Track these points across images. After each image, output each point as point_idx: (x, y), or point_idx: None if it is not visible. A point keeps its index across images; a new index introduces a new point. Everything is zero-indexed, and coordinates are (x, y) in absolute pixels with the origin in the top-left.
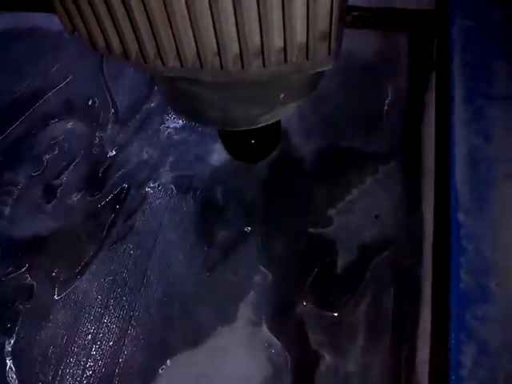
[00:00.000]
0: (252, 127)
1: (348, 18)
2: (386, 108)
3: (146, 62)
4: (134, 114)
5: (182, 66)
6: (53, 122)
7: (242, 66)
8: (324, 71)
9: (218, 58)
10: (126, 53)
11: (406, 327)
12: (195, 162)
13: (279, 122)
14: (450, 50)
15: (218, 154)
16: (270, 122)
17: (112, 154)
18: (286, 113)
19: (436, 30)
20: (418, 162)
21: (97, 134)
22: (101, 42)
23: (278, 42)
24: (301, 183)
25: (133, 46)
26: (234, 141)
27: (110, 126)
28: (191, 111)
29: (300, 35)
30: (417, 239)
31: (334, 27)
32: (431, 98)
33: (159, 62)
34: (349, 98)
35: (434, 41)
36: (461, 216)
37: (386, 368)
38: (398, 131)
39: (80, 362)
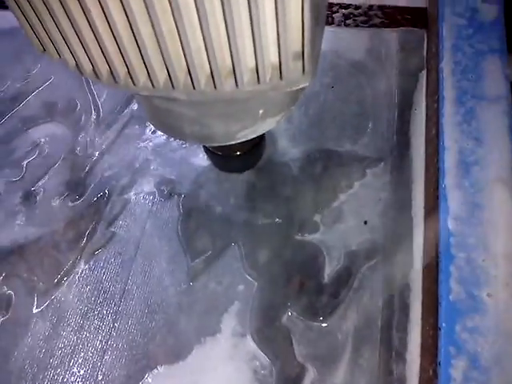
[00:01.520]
0: (231, 142)
1: (337, 15)
2: (374, 109)
3: (116, 82)
4: (116, 117)
5: (153, 86)
6: (33, 125)
7: (215, 87)
8: (304, 87)
9: (189, 77)
10: (95, 72)
11: (395, 339)
12: (179, 165)
13: (263, 135)
14: (440, 49)
15: (203, 158)
16: (249, 138)
17: (94, 158)
18: (266, 128)
19: (427, 27)
20: (407, 165)
21: (78, 137)
22: (71, 61)
23: (250, 62)
24: (287, 188)
25: (103, 67)
26: (217, 155)
27: (92, 129)
28: (169, 127)
29: (273, 55)
30: (406, 247)
31: (307, 47)
32: (421, 97)
33: (130, 81)
34: (336, 99)
35: (424, 39)
36: (451, 223)
37: (374, 382)
38: (386, 133)
39: (58, 376)
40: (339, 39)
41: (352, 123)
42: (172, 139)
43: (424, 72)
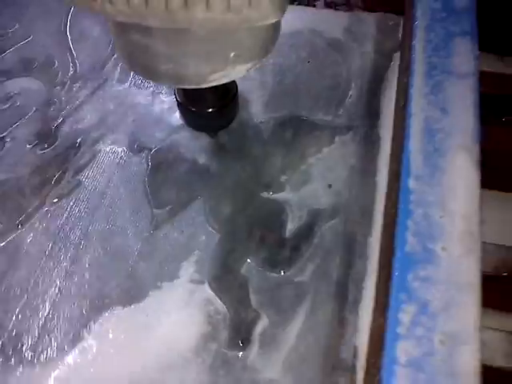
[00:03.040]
0: (203, 85)
1: (319, 3)
2: (347, 83)
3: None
4: (94, 75)
5: (128, 5)
6: (7, 78)
7: (186, 4)
8: (275, 38)
9: None
10: None
11: (351, 293)
12: (153, 123)
13: (236, 94)
14: (414, 28)
15: (177, 118)
16: (220, 82)
17: (67, 112)
18: (237, 75)
19: (404, 11)
20: (375, 134)
21: (53, 92)
22: None
23: None
24: (256, 149)
25: None
26: (190, 112)
27: (67, 86)
28: (144, 66)
29: None
30: (368, 209)
31: None
32: (393, 75)
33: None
34: (312, 72)
35: (400, 24)
36: (411, 182)
37: (327, 330)
38: (358, 105)
39: (12, 311)
40: (318, 20)
41: (325, 95)
42: (151, 99)
43: (398, 53)
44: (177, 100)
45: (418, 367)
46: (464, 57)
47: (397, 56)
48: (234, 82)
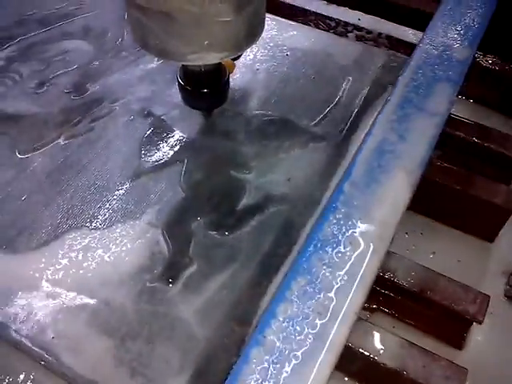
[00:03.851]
0: (183, 62)
1: (351, 35)
2: (340, 103)
3: None
4: (134, 50)
5: None
6: (68, 38)
7: None
8: (251, 40)
9: None
10: None
11: (272, 265)
12: (167, 97)
13: (228, 81)
14: (405, 67)
15: None
16: (197, 63)
17: (102, 74)
18: (212, 60)
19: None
20: (345, 147)
21: (98, 56)
22: None
23: None
24: (241, 135)
25: None
26: (186, 90)
27: (111, 53)
28: (140, 38)
29: None
30: (314, 205)
31: None
32: (380, 103)
33: None
34: (312, 87)
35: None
36: (346, 185)
37: (242, 289)
38: (340, 121)
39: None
40: (334, 45)
41: (316, 106)
42: (169, 76)
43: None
44: (177, 80)
45: (288, 325)
46: (440, 99)
47: (391, 89)
48: (225, 71)
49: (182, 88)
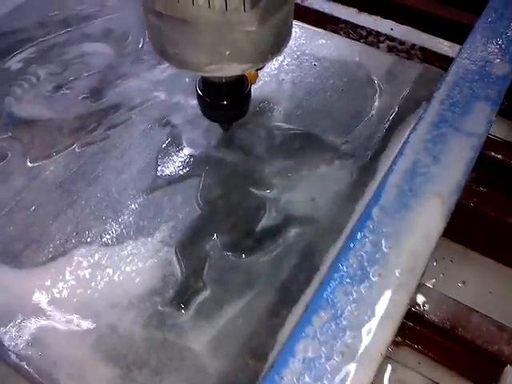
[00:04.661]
0: (201, 74)
1: (382, 45)
2: (369, 118)
3: None
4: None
5: None
6: (88, 40)
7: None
8: (276, 51)
9: None
10: None
11: (293, 292)
12: (186, 106)
13: (249, 93)
14: (441, 82)
15: None
16: (216, 75)
17: (121, 79)
18: (232, 71)
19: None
20: (373, 166)
21: (118, 59)
22: None
23: None
24: (260, 148)
25: None
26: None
27: (131, 57)
28: (159, 46)
29: None
30: (338, 229)
31: None
32: (414, 120)
33: None
34: (341, 100)
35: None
36: (375, 210)
37: (258, 318)
38: (369, 137)
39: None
40: (366, 56)
41: (343, 121)
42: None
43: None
44: (196, 91)
45: (308, 367)
46: (477, 119)
47: (425, 105)
48: (247, 82)
49: (200, 99)
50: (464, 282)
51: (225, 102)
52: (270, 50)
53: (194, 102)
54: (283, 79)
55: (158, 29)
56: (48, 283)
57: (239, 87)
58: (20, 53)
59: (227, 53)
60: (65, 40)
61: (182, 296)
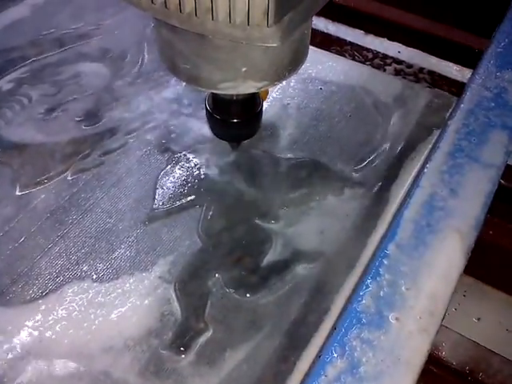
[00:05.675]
0: (213, 91)
1: (389, 68)
2: (378, 145)
3: None
4: (154, 77)
5: (153, 2)
6: (84, 60)
7: (196, 15)
8: (293, 68)
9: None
10: None
11: (301, 334)
12: (185, 128)
13: (260, 111)
14: (456, 110)
15: (207, 129)
16: (229, 92)
17: (118, 102)
18: (246, 89)
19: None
20: (385, 197)
21: (115, 81)
22: None
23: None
24: (267, 177)
25: None
26: (215, 119)
27: (129, 79)
28: (169, 60)
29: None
30: (350, 265)
31: (272, 3)
32: (425, 148)
33: None
34: (349, 126)
35: (452, 105)
36: (391, 247)
37: (265, 364)
38: (379, 166)
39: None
40: (373, 80)
41: (352, 149)
42: (196, 109)
43: (439, 130)
44: (205, 108)
45: None
46: (495, 149)
47: (437, 132)
48: (259, 100)
49: (210, 116)
50: (479, 319)
51: (235, 120)
52: (287, 68)
53: (195, 126)
54: (288, 103)
55: (169, 42)
56: (37, 323)
57: (251, 105)
58: (11, 72)
59: (243, 69)
60: (59, 59)
61: (182, 338)
